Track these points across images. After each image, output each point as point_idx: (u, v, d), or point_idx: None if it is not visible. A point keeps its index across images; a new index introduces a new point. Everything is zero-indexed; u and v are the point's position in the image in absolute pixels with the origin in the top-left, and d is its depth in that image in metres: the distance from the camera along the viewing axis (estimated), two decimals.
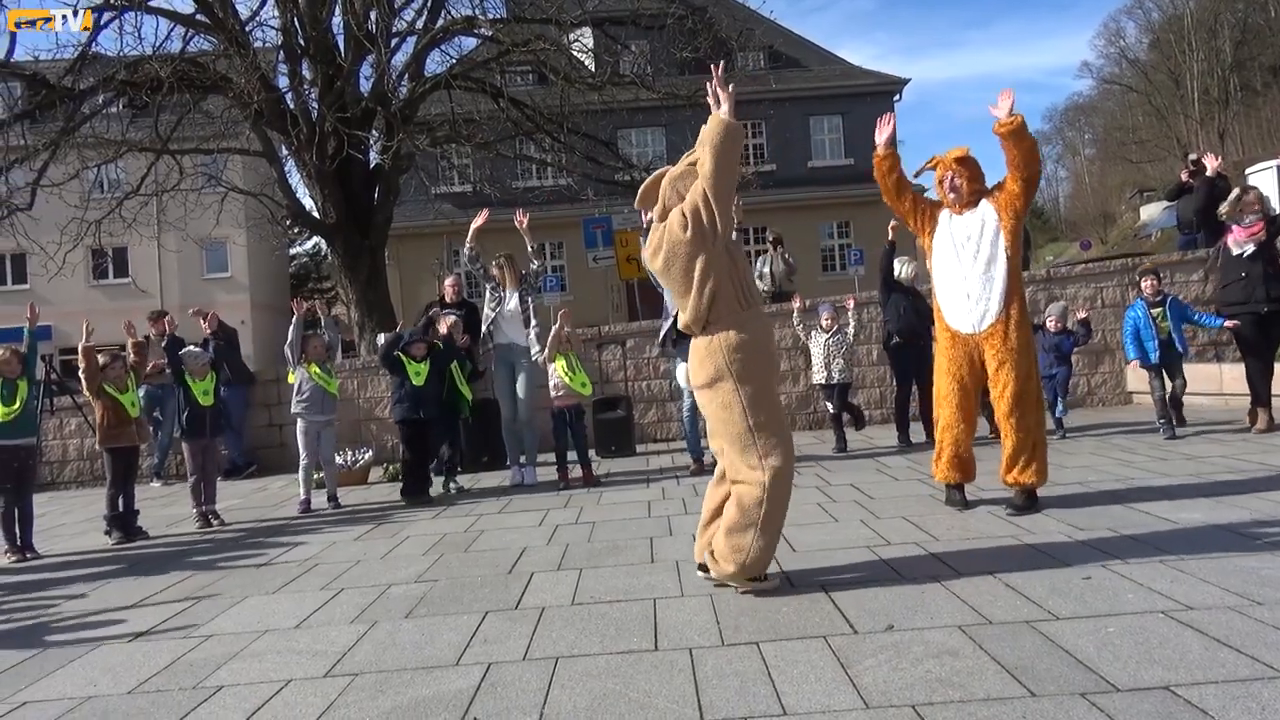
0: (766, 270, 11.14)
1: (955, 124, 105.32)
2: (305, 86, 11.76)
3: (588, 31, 13.78)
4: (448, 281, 8.22)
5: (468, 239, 7.24)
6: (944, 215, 4.66)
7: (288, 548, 5.30)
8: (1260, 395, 6.69)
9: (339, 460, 7.53)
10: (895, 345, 7.37)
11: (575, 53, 13.29)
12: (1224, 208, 6.97)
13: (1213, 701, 2.26)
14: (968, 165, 4.54)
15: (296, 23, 11.56)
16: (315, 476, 6.95)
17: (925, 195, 4.91)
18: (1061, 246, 52.26)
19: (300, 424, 6.77)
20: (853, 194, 25.35)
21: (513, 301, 7.30)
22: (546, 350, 6.81)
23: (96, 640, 3.66)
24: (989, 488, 4.91)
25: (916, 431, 7.26)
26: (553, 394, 6.82)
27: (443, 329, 7.02)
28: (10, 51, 10.89)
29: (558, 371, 6.73)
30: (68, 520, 7.32)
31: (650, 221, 3.80)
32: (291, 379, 6.97)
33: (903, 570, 3.64)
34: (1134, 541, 3.81)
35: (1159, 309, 6.88)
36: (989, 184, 4.63)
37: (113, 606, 4.21)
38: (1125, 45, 54.38)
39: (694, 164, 3.47)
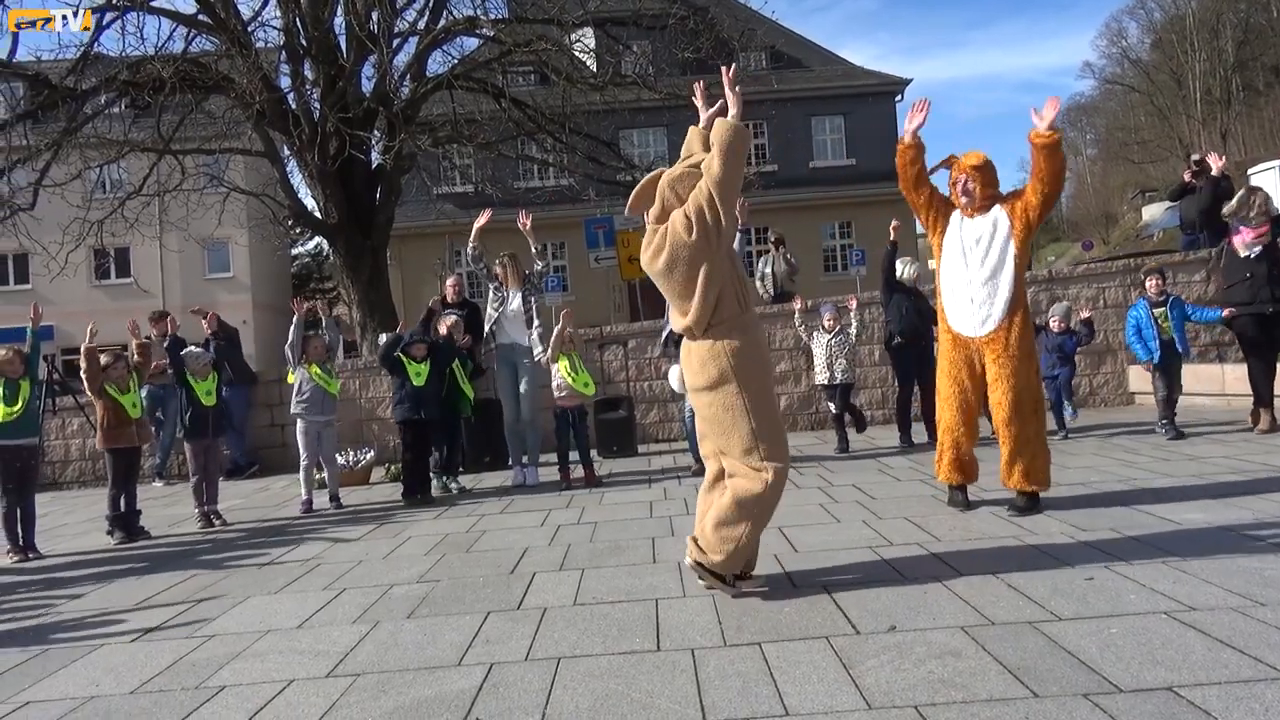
0: (768, 271, 11.13)
1: (957, 124, 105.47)
2: (307, 87, 11.77)
3: (589, 32, 13.77)
4: (449, 281, 8.23)
5: (471, 239, 7.25)
6: (955, 217, 4.64)
7: (290, 548, 5.30)
8: (1263, 396, 6.68)
9: (341, 460, 7.53)
10: (897, 345, 7.37)
11: (577, 53, 13.29)
12: (1230, 207, 6.94)
13: (1215, 703, 2.26)
14: (983, 171, 4.51)
15: (298, 23, 11.57)
16: (317, 476, 6.96)
17: (940, 193, 4.87)
18: (1063, 246, 52.22)
19: (300, 424, 6.77)
20: (854, 194, 25.35)
21: (516, 301, 7.31)
22: (549, 351, 6.82)
23: (99, 640, 3.66)
24: (991, 488, 4.90)
25: (918, 432, 7.25)
26: (556, 394, 6.82)
27: (443, 329, 7.02)
28: (13, 52, 10.90)
29: (560, 372, 6.74)
30: (70, 520, 7.33)
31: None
32: (291, 379, 6.98)
33: (905, 571, 3.64)
34: (1136, 542, 3.81)
35: (1161, 309, 6.87)
36: (1002, 189, 4.61)
37: (115, 606, 4.22)
38: (1127, 45, 54.40)
39: (693, 166, 3.46)
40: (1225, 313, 6.85)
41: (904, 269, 7.41)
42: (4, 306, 24.18)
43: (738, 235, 4.78)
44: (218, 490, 6.69)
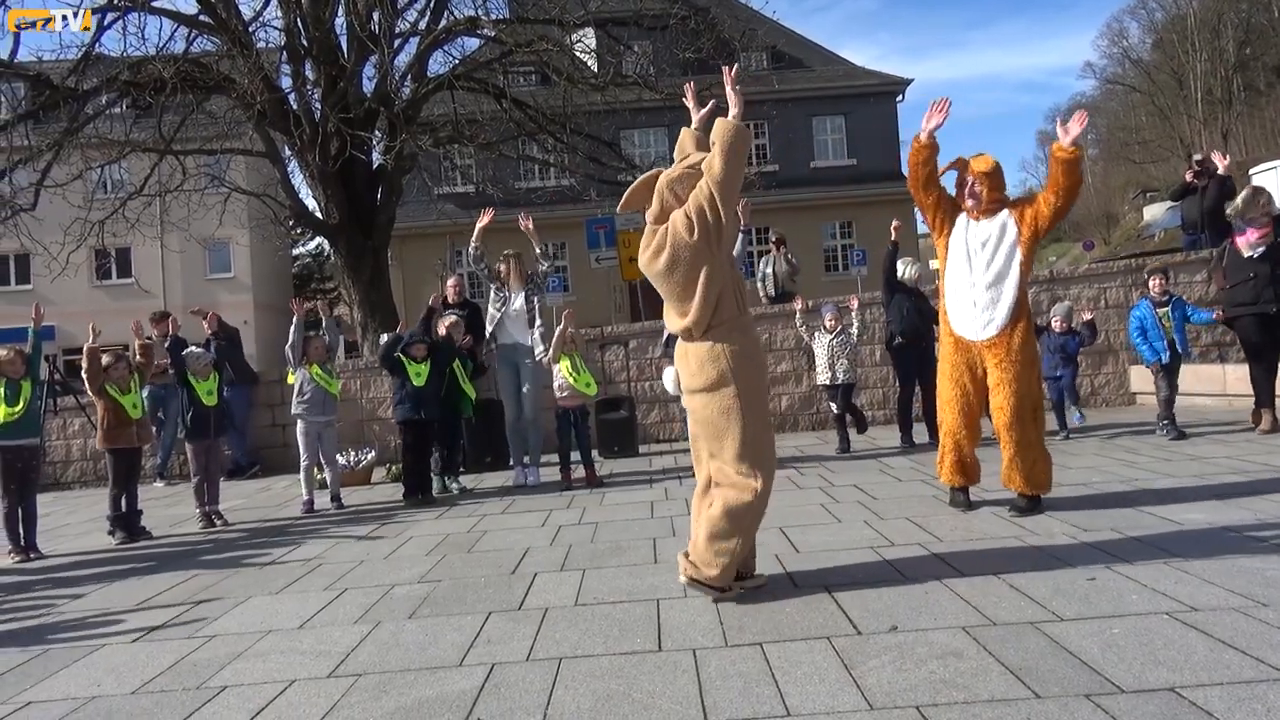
0: (769, 271, 11.12)
1: (958, 124, 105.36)
2: (308, 87, 11.78)
3: (590, 32, 13.76)
4: (450, 282, 8.23)
5: (473, 239, 7.25)
6: (961, 219, 4.63)
7: (291, 548, 5.30)
8: (1264, 396, 6.68)
9: (342, 461, 7.53)
10: (898, 346, 7.37)
11: (578, 53, 13.28)
12: (1236, 207, 6.92)
13: (1217, 703, 2.25)
14: (993, 177, 4.50)
15: (299, 23, 11.58)
16: (318, 477, 6.96)
17: (948, 195, 4.85)
18: (1065, 247, 52.15)
19: (300, 425, 6.78)
20: (855, 194, 25.36)
21: (518, 301, 7.32)
22: (551, 351, 6.82)
23: (100, 640, 3.66)
24: (993, 489, 4.90)
25: (920, 432, 7.25)
26: (557, 394, 6.82)
27: (442, 330, 7.02)
28: (14, 52, 10.91)
29: (562, 372, 6.74)
30: (71, 520, 7.33)
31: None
32: (291, 380, 6.98)
33: (906, 571, 3.63)
34: (1138, 543, 3.80)
35: (1164, 309, 6.87)
36: (1010, 195, 4.60)
37: (116, 607, 4.22)
38: (1128, 45, 54.34)
39: (691, 167, 3.44)
40: (1216, 314, 6.91)
41: (905, 269, 7.40)
42: (5, 307, 24.20)
43: (740, 236, 4.78)
44: (219, 490, 6.70)
